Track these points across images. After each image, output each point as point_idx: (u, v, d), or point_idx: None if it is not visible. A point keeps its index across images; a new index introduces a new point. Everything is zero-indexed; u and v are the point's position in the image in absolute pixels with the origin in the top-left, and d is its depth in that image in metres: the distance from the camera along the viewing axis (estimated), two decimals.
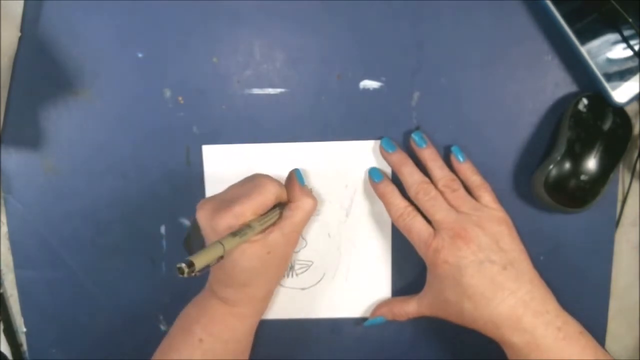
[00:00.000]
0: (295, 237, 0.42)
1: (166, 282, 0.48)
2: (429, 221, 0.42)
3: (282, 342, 0.48)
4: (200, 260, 0.34)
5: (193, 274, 0.33)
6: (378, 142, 0.45)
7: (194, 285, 0.48)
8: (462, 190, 0.42)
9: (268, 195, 0.39)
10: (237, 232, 0.37)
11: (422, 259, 0.42)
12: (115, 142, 0.46)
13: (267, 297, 0.44)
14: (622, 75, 0.41)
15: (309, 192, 0.43)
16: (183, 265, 0.33)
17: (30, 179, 0.47)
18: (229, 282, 0.41)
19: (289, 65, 0.45)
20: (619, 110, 0.43)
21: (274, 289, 0.45)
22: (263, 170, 0.46)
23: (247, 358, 0.45)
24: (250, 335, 0.44)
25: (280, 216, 0.41)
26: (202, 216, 0.40)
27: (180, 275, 0.33)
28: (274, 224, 0.40)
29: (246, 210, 0.38)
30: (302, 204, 0.41)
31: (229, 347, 0.42)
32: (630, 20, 0.40)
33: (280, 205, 0.42)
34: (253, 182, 0.41)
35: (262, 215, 0.40)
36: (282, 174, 0.46)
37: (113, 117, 0.46)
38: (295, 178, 0.43)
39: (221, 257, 0.35)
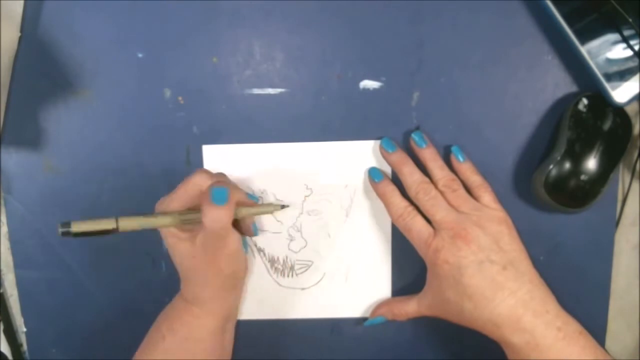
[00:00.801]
0: (213, 248, 0.40)
1: (166, 282, 0.48)
2: (429, 221, 0.42)
3: (282, 342, 0.48)
4: (81, 224, 0.36)
5: (70, 236, 0.35)
6: (378, 142, 0.45)
7: None
8: (462, 190, 0.42)
9: (190, 184, 0.41)
10: (147, 215, 0.39)
11: (422, 259, 0.42)
12: (115, 142, 0.46)
13: (214, 299, 0.43)
14: (622, 75, 0.41)
15: (213, 207, 0.38)
16: (59, 224, 0.35)
17: (30, 179, 0.47)
18: (186, 282, 0.43)
19: (289, 65, 0.45)
20: (619, 110, 0.43)
21: (221, 295, 0.43)
22: (263, 170, 0.46)
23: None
24: (213, 337, 0.44)
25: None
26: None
27: (58, 235, 0.34)
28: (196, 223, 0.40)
29: (168, 200, 0.41)
30: (205, 220, 0.38)
31: (188, 345, 0.43)
32: (630, 20, 0.40)
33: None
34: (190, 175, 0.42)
35: (190, 209, 0.41)
36: (282, 174, 0.46)
37: (113, 117, 0.46)
38: (208, 195, 0.38)
39: (111, 231, 0.37)
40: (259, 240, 0.47)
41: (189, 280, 0.43)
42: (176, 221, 0.40)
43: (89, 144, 0.46)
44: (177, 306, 0.44)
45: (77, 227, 0.35)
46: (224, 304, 0.44)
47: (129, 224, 0.38)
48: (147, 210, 0.47)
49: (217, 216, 0.38)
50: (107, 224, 0.36)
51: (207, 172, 0.42)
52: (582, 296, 0.46)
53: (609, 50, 0.41)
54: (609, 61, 0.41)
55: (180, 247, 0.41)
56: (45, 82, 0.45)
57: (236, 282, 0.45)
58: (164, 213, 0.40)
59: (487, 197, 0.42)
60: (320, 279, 0.48)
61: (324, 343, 0.49)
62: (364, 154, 0.46)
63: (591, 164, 0.42)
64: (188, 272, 0.43)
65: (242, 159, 0.46)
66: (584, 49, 0.41)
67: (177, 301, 0.45)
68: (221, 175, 0.44)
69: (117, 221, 0.36)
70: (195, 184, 0.41)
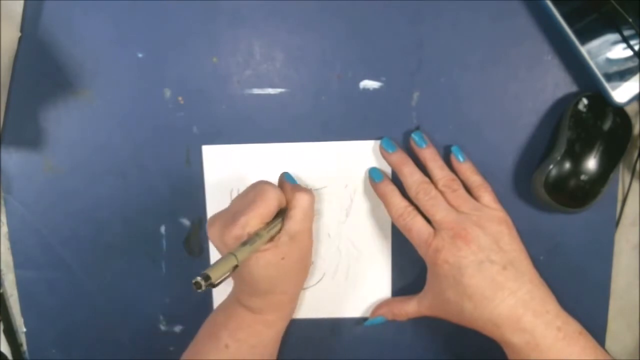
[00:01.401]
0: (305, 237, 0.42)
1: (166, 282, 0.48)
2: (429, 221, 0.42)
3: (282, 341, 0.48)
4: (215, 273, 0.34)
5: (211, 287, 0.34)
6: (378, 142, 0.45)
7: None
8: (462, 190, 0.42)
9: (270, 202, 0.40)
10: (247, 241, 0.38)
11: (422, 259, 0.42)
12: (115, 142, 0.46)
13: (293, 300, 0.44)
14: (622, 75, 0.41)
15: (301, 188, 0.42)
16: (199, 279, 0.33)
17: (30, 179, 0.47)
18: (251, 292, 0.41)
19: (289, 65, 0.45)
20: (619, 110, 0.43)
21: (299, 291, 0.45)
22: (263, 170, 0.46)
23: (275, 358, 0.46)
24: (279, 337, 0.45)
25: (283, 221, 0.41)
26: (212, 233, 0.40)
27: (198, 290, 0.33)
28: (280, 230, 0.40)
29: (251, 219, 0.39)
30: (297, 201, 0.41)
31: (256, 351, 0.43)
32: (630, 20, 0.40)
33: (281, 212, 0.42)
34: (255, 190, 0.41)
35: (268, 222, 0.40)
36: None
37: (113, 117, 0.46)
38: (284, 180, 0.44)
39: (236, 267, 0.36)
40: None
41: (272, 290, 0.42)
42: (269, 234, 0.39)
43: (89, 144, 0.46)
44: (242, 318, 0.43)
45: (214, 275, 0.34)
46: (294, 305, 0.45)
47: (244, 254, 0.37)
48: (147, 210, 0.47)
49: (306, 194, 0.41)
50: (230, 263, 0.36)
51: (270, 184, 0.41)
52: (582, 296, 0.46)
53: (609, 50, 0.41)
54: (609, 61, 0.41)
55: (266, 257, 0.39)
56: (45, 82, 0.45)
57: (306, 276, 0.45)
58: (259, 233, 0.39)
59: (487, 197, 0.42)
60: (320, 279, 0.48)
61: (324, 343, 0.49)
62: (364, 154, 0.46)
63: (591, 164, 0.42)
64: (271, 282, 0.41)
65: (242, 159, 0.46)
66: (584, 49, 0.41)
67: (238, 313, 0.43)
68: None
69: (236, 257, 0.36)
70: (272, 197, 0.40)
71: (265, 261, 0.39)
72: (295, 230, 0.41)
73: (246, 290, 0.42)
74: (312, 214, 0.42)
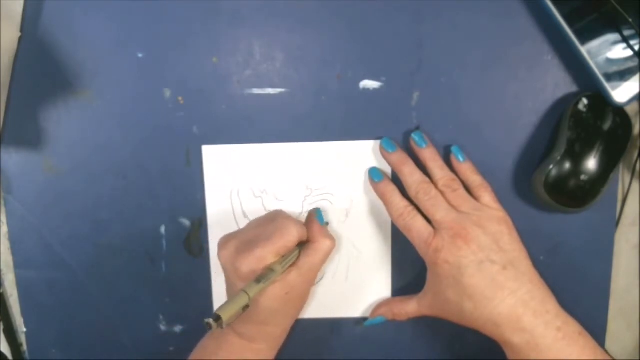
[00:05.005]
0: (313, 276, 0.43)
1: (166, 282, 0.48)
2: (429, 221, 0.42)
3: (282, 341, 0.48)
4: (227, 313, 0.34)
5: (222, 327, 0.34)
6: (378, 142, 0.45)
7: (194, 286, 0.48)
8: (462, 190, 0.42)
9: (290, 239, 0.40)
10: (261, 278, 0.38)
11: (422, 258, 0.42)
12: (115, 142, 0.46)
13: (285, 332, 0.45)
14: (622, 75, 0.41)
15: (327, 233, 0.43)
16: (211, 320, 0.33)
17: (30, 179, 0.47)
18: (248, 320, 0.41)
19: (289, 65, 0.45)
20: (619, 110, 0.43)
21: (291, 325, 0.45)
22: (263, 170, 0.46)
23: None
24: None
25: (299, 256, 0.41)
26: (225, 256, 0.41)
27: (209, 329, 0.33)
28: (293, 264, 0.41)
29: (268, 254, 0.39)
30: (321, 245, 0.42)
31: None
32: (630, 20, 0.40)
33: (300, 244, 0.42)
34: (275, 223, 0.41)
35: (283, 256, 0.40)
36: (282, 174, 0.46)
37: (113, 117, 0.46)
38: (315, 218, 0.44)
39: (247, 306, 0.36)
40: None
41: (269, 322, 0.42)
42: (283, 270, 0.40)
43: (89, 144, 0.46)
44: (233, 345, 0.43)
45: (225, 315, 0.34)
46: (285, 337, 0.45)
47: (254, 291, 0.37)
48: (147, 210, 0.47)
49: (331, 241, 0.42)
50: (242, 301, 0.36)
51: (292, 220, 0.41)
52: (582, 296, 0.46)
53: (609, 50, 0.41)
54: (609, 61, 0.41)
55: (274, 290, 0.40)
56: (45, 82, 0.45)
57: (301, 312, 0.45)
58: (273, 268, 0.39)
59: (487, 197, 0.42)
60: (320, 279, 0.48)
61: (324, 343, 0.49)
62: (364, 154, 0.46)
63: (591, 164, 0.42)
64: (272, 314, 0.41)
65: (242, 159, 0.46)
66: (584, 49, 0.41)
67: (229, 340, 0.43)
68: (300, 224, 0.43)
69: (248, 296, 0.36)
70: (293, 234, 0.40)
71: (272, 293, 0.40)
72: (308, 270, 0.41)
73: (242, 317, 0.41)
74: (328, 258, 0.43)
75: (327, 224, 0.46)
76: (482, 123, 0.45)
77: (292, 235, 0.40)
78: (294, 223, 0.41)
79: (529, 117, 0.45)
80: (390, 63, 0.44)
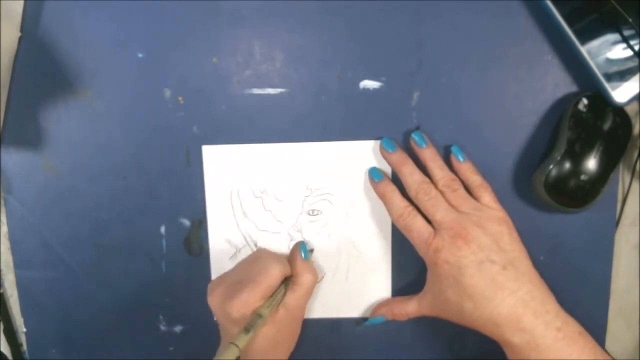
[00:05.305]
0: (300, 312, 0.44)
1: (166, 282, 0.48)
2: (429, 221, 0.42)
3: None
4: None
5: None
6: (378, 142, 0.45)
7: (194, 286, 0.48)
8: (462, 190, 0.42)
9: (273, 277, 0.41)
10: (249, 327, 0.39)
11: (422, 258, 0.42)
12: (115, 142, 0.46)
13: None
14: (622, 75, 0.41)
15: (309, 267, 0.44)
16: None
17: (30, 179, 0.47)
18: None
19: (289, 65, 0.45)
20: (619, 110, 0.43)
21: (287, 358, 0.45)
22: (263, 170, 0.46)
23: None
24: None
25: (286, 291, 0.42)
26: (213, 302, 0.42)
27: None
28: (280, 302, 0.42)
29: (253, 297, 0.40)
30: (303, 280, 0.43)
31: None
32: (630, 20, 0.40)
33: (285, 280, 0.43)
34: (258, 263, 0.42)
35: (270, 297, 0.41)
36: (282, 174, 0.46)
37: (113, 117, 0.46)
38: (298, 252, 0.44)
39: (238, 359, 0.37)
40: (259, 240, 0.47)
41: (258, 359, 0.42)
42: (269, 311, 0.40)
43: (89, 144, 0.46)
44: None
45: None
46: None
47: (243, 342, 0.38)
48: (147, 210, 0.47)
49: (311, 275, 0.43)
50: (232, 354, 0.37)
51: (274, 259, 0.42)
52: (582, 296, 0.46)
53: (609, 50, 0.41)
54: (609, 61, 0.41)
55: (263, 331, 0.41)
56: (45, 82, 0.45)
57: (294, 346, 0.45)
58: (261, 313, 0.40)
59: (487, 197, 0.42)
60: (321, 279, 0.48)
61: (324, 343, 0.49)
62: (364, 154, 0.46)
63: (591, 164, 0.42)
64: (262, 353, 0.42)
65: (242, 159, 0.46)
66: (584, 49, 0.41)
67: None
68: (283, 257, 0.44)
69: (238, 348, 0.37)
70: (275, 274, 0.41)
71: (262, 335, 0.41)
72: (294, 306, 0.42)
73: None
74: (312, 292, 0.44)
75: (311, 251, 0.47)
76: (482, 123, 0.45)
77: (275, 274, 0.41)
78: (275, 261, 0.42)
79: (529, 117, 0.45)
80: (390, 63, 0.44)
